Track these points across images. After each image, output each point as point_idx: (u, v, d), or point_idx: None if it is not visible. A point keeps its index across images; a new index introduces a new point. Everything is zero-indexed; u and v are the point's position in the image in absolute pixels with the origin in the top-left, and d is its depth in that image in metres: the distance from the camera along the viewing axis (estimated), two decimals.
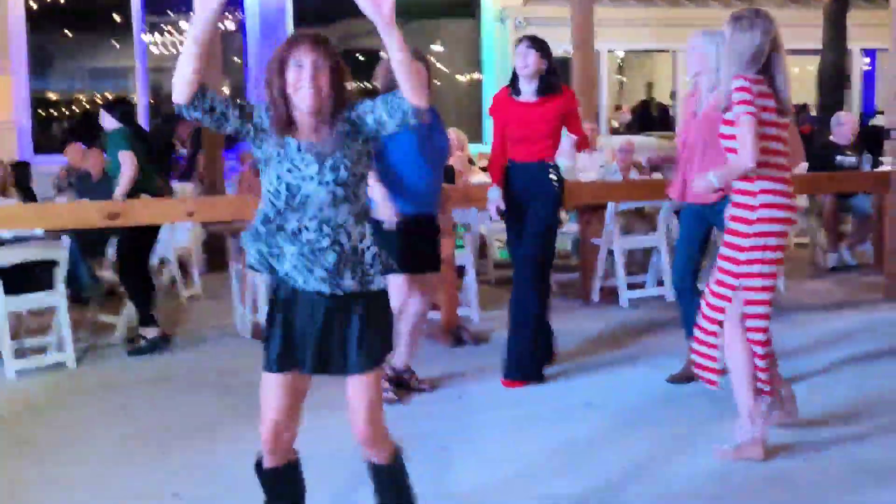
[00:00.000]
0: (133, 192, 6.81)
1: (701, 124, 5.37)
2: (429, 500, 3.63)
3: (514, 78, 5.83)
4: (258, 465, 3.30)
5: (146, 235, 6.94)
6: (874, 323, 7.17)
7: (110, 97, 14.40)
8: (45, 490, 4.40)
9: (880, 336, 6.75)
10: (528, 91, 5.77)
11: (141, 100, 13.01)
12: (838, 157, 9.56)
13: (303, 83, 2.98)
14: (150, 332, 6.89)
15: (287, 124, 3.05)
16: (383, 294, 3.19)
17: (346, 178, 3.04)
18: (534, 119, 5.74)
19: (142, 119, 12.89)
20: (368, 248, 3.11)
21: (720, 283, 4.47)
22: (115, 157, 6.88)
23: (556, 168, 5.87)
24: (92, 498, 4.30)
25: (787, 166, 4.44)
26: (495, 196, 5.90)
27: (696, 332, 4.62)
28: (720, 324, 4.50)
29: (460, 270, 7.53)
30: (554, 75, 5.77)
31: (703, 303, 4.59)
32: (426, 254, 5.52)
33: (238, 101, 3.09)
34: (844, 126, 9.80)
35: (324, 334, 3.10)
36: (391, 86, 5.31)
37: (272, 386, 3.15)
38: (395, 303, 5.36)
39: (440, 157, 5.51)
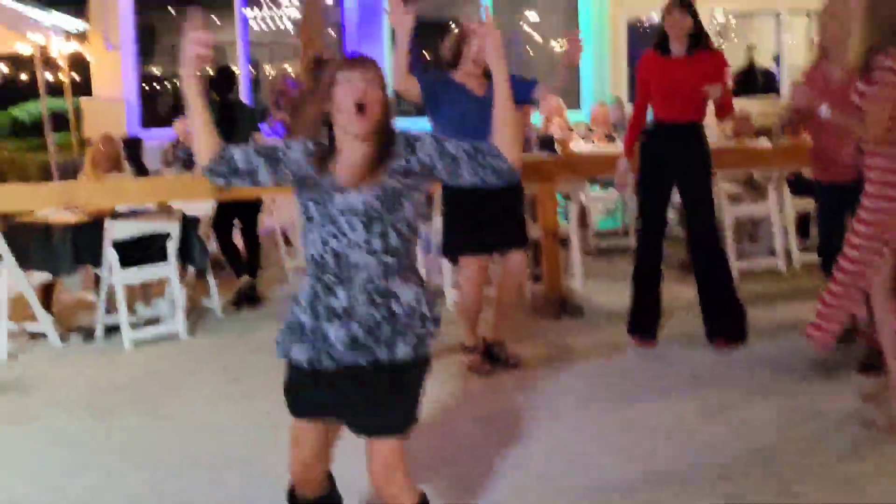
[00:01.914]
0: None
1: (835, 97, 5.12)
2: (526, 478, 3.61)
3: (661, 39, 5.69)
4: (290, 493, 3.13)
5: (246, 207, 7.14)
6: None
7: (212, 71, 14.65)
8: (157, 432, 4.70)
9: None
10: (678, 50, 5.63)
11: (243, 73, 13.15)
12: None
13: (352, 100, 2.77)
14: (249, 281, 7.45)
15: (328, 159, 2.84)
16: (426, 361, 2.90)
17: (397, 245, 2.81)
18: (684, 76, 5.56)
19: (244, 93, 13.05)
20: (419, 308, 2.85)
21: (862, 249, 4.34)
22: None
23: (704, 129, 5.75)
24: (196, 435, 4.60)
25: None
26: (623, 168, 5.81)
27: (828, 298, 4.51)
28: (861, 292, 4.39)
29: (563, 241, 7.46)
30: (703, 33, 5.65)
31: (839, 268, 4.46)
32: (508, 228, 5.39)
33: (271, 146, 2.88)
34: None
35: (357, 397, 2.84)
36: (451, 56, 5.33)
37: (301, 429, 2.96)
38: (473, 283, 5.33)
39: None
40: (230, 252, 7.68)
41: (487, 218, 5.28)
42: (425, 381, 2.93)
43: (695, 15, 5.61)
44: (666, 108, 5.68)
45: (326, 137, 2.87)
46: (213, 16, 13.98)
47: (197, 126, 2.84)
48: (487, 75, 5.32)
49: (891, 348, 4.40)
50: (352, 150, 2.83)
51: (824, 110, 4.36)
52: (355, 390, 2.82)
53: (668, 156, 5.69)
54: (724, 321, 5.84)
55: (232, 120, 7.38)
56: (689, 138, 5.68)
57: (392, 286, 2.80)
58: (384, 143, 2.83)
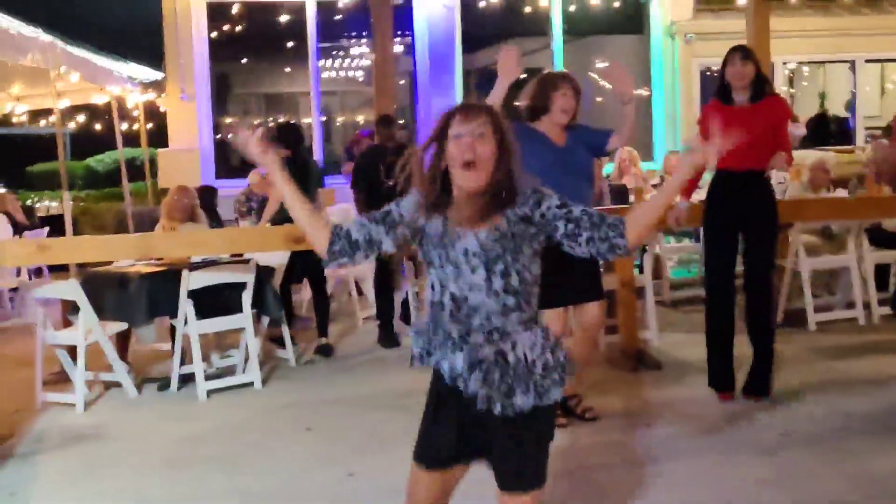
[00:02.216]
0: (279, 220, 7.13)
1: None
2: None
3: (723, 87, 5.67)
4: None
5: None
6: None
7: (284, 121, 14.83)
8: (237, 500, 4.55)
9: None
10: (740, 99, 5.63)
11: (315, 123, 13.29)
12: None
13: (461, 156, 2.71)
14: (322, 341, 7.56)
15: (443, 206, 2.78)
16: (553, 407, 2.82)
17: (517, 287, 2.75)
18: (748, 124, 5.38)
19: (316, 143, 13.17)
20: (540, 357, 2.76)
21: None
22: None
23: (770, 178, 5.72)
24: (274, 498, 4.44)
25: None
26: (682, 208, 5.75)
27: None
28: None
29: (638, 292, 7.36)
30: (766, 81, 5.65)
31: None
32: (585, 282, 5.31)
33: (384, 211, 2.86)
34: None
35: (487, 445, 2.81)
36: (537, 106, 5.29)
37: (420, 479, 2.90)
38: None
39: (579, 168, 5.26)
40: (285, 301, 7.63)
41: (563, 271, 5.21)
42: (549, 436, 2.86)
43: (756, 63, 5.60)
44: (729, 157, 5.57)
45: (438, 190, 2.80)
46: (286, 67, 14.20)
47: (300, 217, 2.88)
48: (568, 126, 5.31)
49: None
50: (466, 201, 2.77)
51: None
52: (483, 429, 2.79)
53: (733, 204, 5.64)
54: (753, 373, 5.77)
55: (302, 175, 7.44)
56: (753, 187, 5.63)
57: (509, 328, 2.74)
58: (500, 195, 2.75)
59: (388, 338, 7.76)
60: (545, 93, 5.29)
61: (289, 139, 7.54)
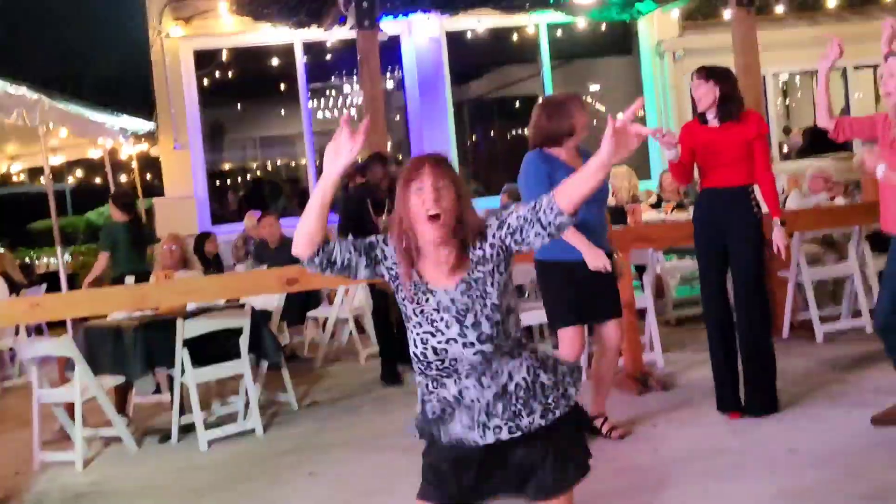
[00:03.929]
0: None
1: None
2: None
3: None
4: None
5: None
6: None
7: (280, 163, 14.81)
8: None
9: None
10: (712, 117, 5.65)
11: (310, 164, 13.24)
12: None
13: (424, 210, 2.75)
14: None
15: (415, 258, 2.84)
16: (569, 414, 2.85)
17: (490, 332, 2.78)
18: (720, 144, 5.59)
19: (311, 183, 13.11)
20: (537, 377, 2.81)
21: None
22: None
23: (754, 193, 5.66)
24: None
25: None
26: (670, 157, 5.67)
27: None
28: None
29: (640, 313, 7.26)
30: (732, 101, 5.59)
31: None
32: (604, 299, 5.35)
33: (369, 242, 2.91)
34: None
35: (501, 472, 2.84)
36: (559, 130, 5.22)
37: None
38: (571, 355, 5.20)
39: (600, 195, 5.29)
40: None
41: (582, 289, 5.21)
42: (580, 435, 2.94)
43: (723, 81, 5.57)
44: (709, 176, 5.69)
45: (411, 240, 2.83)
46: (279, 109, 14.20)
47: (316, 211, 2.80)
48: (578, 150, 5.28)
49: None
50: (434, 252, 2.83)
51: (879, 172, 4.17)
52: (502, 464, 2.83)
53: (717, 221, 5.65)
54: (749, 392, 5.68)
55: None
56: (736, 202, 5.62)
57: (498, 368, 2.79)
58: (463, 241, 2.82)
59: (390, 375, 7.65)
60: (570, 113, 5.22)
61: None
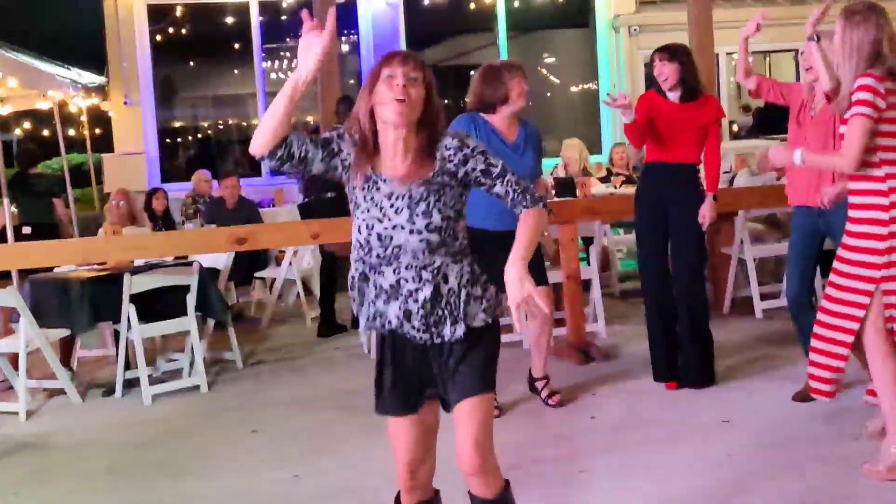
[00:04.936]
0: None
1: (816, 126, 5.13)
2: None
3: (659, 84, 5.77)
4: (397, 501, 3.15)
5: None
6: None
7: (232, 123, 14.73)
8: (182, 497, 4.56)
9: None
10: (673, 97, 5.72)
11: None
12: None
13: (392, 93, 2.82)
14: None
15: (371, 150, 2.90)
16: (490, 327, 2.97)
17: (440, 224, 2.87)
18: (678, 122, 5.67)
19: None
20: (470, 288, 2.93)
21: (852, 290, 4.24)
22: None
23: (700, 173, 5.80)
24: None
25: None
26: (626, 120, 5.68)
27: (815, 343, 4.42)
28: (851, 333, 4.27)
29: (585, 284, 7.38)
30: (695, 83, 5.70)
31: (822, 313, 4.37)
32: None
33: (325, 137, 2.95)
34: None
35: (432, 374, 2.98)
36: (493, 96, 5.27)
37: (397, 428, 3.02)
38: None
39: (529, 173, 5.28)
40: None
41: (502, 258, 5.23)
42: (495, 345, 3.01)
43: (684, 62, 5.66)
44: (660, 150, 5.76)
45: (370, 133, 2.90)
46: (233, 69, 14.09)
47: (282, 109, 2.82)
48: (521, 121, 5.33)
49: (890, 390, 4.24)
50: (394, 142, 2.89)
51: (798, 158, 4.30)
52: (425, 361, 2.96)
53: (661, 194, 5.75)
54: (686, 364, 5.81)
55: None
56: (682, 179, 5.73)
57: (437, 262, 2.87)
58: (426, 139, 2.89)
59: (330, 324, 7.78)
60: (502, 80, 5.27)
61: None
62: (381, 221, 2.86)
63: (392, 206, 2.86)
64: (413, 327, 2.90)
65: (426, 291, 2.86)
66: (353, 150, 2.92)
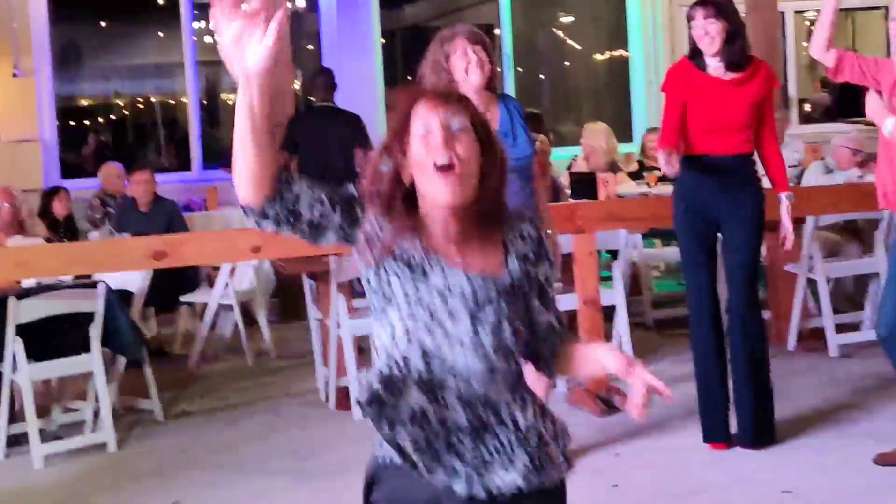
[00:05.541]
0: None
1: None
2: None
3: (694, 49, 5.70)
4: None
5: None
6: None
7: (155, 101, 14.75)
8: None
9: None
10: (716, 66, 5.66)
11: (193, 102, 13.19)
12: None
13: (432, 157, 2.45)
14: None
15: (409, 228, 2.51)
16: (559, 491, 2.64)
17: (510, 345, 2.54)
18: (726, 101, 5.60)
19: (193, 126, 13.08)
20: (534, 425, 2.57)
21: None
22: None
23: (756, 165, 5.79)
24: None
25: None
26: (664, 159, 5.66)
27: None
28: None
29: (608, 312, 7.38)
30: (743, 47, 5.65)
31: None
32: None
33: (351, 197, 2.53)
34: None
35: None
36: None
37: None
38: None
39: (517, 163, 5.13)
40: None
41: None
42: None
43: (731, 19, 5.59)
44: (703, 140, 5.68)
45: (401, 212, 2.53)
46: (157, 31, 14.10)
47: (247, 134, 2.38)
48: (501, 97, 5.31)
49: None
50: (442, 219, 2.54)
51: (888, 127, 4.28)
52: None
53: (709, 198, 5.71)
54: (741, 418, 5.80)
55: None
56: (735, 175, 5.70)
57: (493, 395, 2.52)
58: (488, 211, 2.56)
59: None
60: (439, 60, 5.07)
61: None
62: (430, 332, 2.50)
63: (447, 309, 2.51)
64: (463, 484, 2.49)
65: (465, 426, 2.50)
66: (377, 218, 2.52)
